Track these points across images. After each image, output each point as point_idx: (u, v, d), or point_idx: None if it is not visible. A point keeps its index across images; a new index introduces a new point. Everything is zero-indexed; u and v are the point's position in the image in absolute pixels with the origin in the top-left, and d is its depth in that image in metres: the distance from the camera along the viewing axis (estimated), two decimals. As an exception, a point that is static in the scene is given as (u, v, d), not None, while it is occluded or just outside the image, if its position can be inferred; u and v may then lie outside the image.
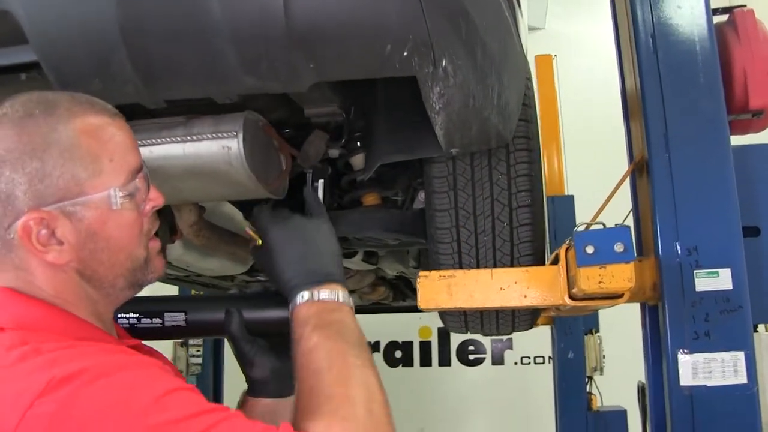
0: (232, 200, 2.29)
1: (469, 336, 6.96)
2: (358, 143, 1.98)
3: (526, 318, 2.17)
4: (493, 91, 1.51)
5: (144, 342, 1.28)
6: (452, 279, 1.82)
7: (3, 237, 1.00)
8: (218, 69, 1.30)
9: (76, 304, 1.05)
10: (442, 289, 1.82)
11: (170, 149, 1.66)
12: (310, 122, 1.89)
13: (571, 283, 1.74)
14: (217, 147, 1.65)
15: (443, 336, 7.44)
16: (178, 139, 1.66)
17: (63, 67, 1.32)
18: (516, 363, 7.24)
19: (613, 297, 1.72)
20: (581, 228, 1.82)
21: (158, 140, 1.66)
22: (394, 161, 1.78)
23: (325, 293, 1.14)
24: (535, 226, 1.83)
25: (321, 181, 1.65)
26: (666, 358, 1.89)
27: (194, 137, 1.65)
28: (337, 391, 0.99)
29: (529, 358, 7.16)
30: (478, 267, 1.86)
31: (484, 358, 7.38)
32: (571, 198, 4.44)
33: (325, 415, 0.95)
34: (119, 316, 1.31)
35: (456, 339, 7.38)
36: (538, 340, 5.65)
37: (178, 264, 2.75)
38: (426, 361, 7.52)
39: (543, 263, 1.89)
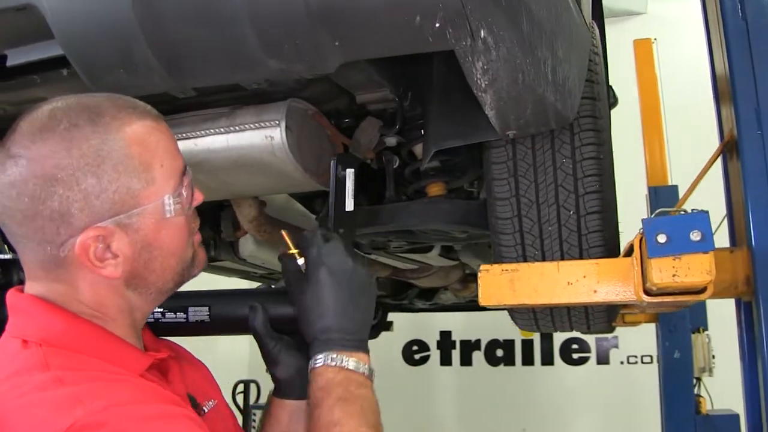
0: (289, 193, 2.23)
1: (572, 334, 6.71)
2: (422, 131, 1.88)
3: (601, 315, 1.99)
4: (545, 66, 1.37)
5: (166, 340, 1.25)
6: (515, 273, 1.68)
7: (55, 255, 0.97)
8: (239, 52, 1.23)
9: (115, 318, 1.03)
10: (505, 284, 1.68)
11: (214, 141, 1.63)
12: (368, 111, 1.80)
13: (645, 276, 1.57)
14: (260, 137, 1.60)
15: (546, 334, 7.20)
16: (222, 130, 1.63)
17: (87, 59, 1.29)
18: (622, 362, 6.94)
19: (694, 292, 1.53)
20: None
21: (202, 132, 1.63)
22: (448, 147, 1.67)
23: (353, 363, 1.11)
24: (606, 214, 1.67)
25: (350, 171, 1.49)
26: (762, 360, 1.69)
27: (237, 128, 1.62)
28: None
29: (636, 357, 6.84)
30: (543, 260, 1.72)
31: (588, 357, 7.12)
32: (675, 188, 4.17)
33: None
34: None
35: (559, 337, 7.16)
36: (645, 337, 5.36)
37: (252, 261, 2.73)
38: (528, 360, 7.33)
39: (616, 255, 1.72)
